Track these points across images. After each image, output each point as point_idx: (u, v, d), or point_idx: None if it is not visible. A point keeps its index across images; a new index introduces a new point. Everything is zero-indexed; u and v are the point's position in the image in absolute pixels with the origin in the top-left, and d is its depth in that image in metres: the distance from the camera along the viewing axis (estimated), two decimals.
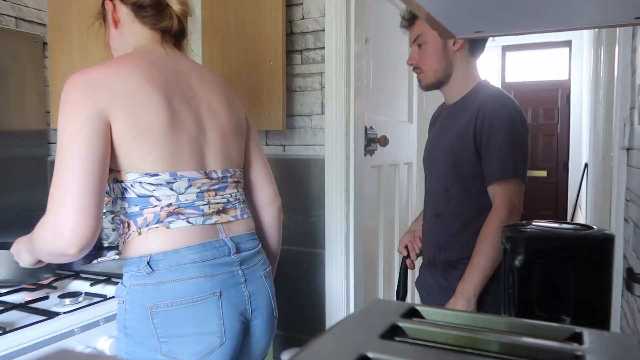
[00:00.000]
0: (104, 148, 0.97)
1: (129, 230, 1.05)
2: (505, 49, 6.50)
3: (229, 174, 1.17)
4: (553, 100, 6.34)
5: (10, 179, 1.65)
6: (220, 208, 1.12)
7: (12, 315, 1.17)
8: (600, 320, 0.66)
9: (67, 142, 0.96)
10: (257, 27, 1.87)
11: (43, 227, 0.97)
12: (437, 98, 3.16)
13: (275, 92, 1.83)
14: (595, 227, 0.68)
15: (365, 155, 2.09)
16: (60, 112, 0.97)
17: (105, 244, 1.90)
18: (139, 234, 1.04)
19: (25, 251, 1.10)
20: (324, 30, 1.92)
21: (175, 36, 1.19)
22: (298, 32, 1.96)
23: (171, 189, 1.05)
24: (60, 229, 0.93)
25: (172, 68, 1.12)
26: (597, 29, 2.78)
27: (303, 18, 1.95)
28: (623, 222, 1.94)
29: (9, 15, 1.64)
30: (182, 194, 1.06)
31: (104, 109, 0.98)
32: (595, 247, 0.66)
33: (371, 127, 2.14)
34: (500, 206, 1.36)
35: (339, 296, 1.96)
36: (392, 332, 0.40)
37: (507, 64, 6.57)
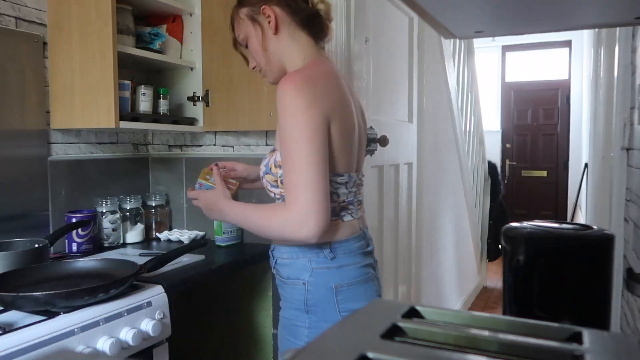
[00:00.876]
0: (327, 149, 1.13)
1: None
2: (505, 49, 6.50)
3: (362, 176, 1.34)
4: (553, 100, 6.34)
5: (10, 179, 1.65)
6: (361, 205, 1.32)
7: (12, 315, 1.17)
8: (600, 320, 0.66)
9: (305, 147, 1.09)
10: None
11: (284, 219, 1.11)
12: (437, 98, 3.16)
13: (275, 92, 1.82)
14: (595, 227, 0.68)
15: (365, 155, 2.09)
16: (290, 114, 1.10)
17: (106, 244, 1.90)
18: None
19: (234, 218, 1.26)
20: None
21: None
22: None
23: (346, 188, 1.22)
24: (305, 223, 1.08)
25: (342, 78, 1.26)
26: (597, 29, 2.78)
27: None
28: (623, 222, 1.94)
29: (9, 15, 1.64)
30: (350, 192, 1.24)
31: (328, 114, 1.13)
32: (595, 247, 0.66)
33: (371, 127, 2.14)
34: None
35: None
36: (392, 332, 0.40)
37: (507, 64, 6.57)
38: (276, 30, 1.23)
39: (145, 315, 1.29)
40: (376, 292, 1.26)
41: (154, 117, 1.84)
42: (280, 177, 1.20)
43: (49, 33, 1.72)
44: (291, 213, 1.10)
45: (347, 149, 1.20)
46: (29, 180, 1.72)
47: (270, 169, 1.23)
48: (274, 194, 1.25)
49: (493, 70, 6.55)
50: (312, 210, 1.08)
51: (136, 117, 1.76)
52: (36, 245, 1.50)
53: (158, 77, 2.06)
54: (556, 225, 0.71)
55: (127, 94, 1.74)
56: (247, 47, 1.30)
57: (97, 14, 1.60)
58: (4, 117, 1.63)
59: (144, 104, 1.82)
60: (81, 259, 1.48)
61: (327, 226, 1.11)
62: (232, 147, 2.06)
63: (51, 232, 1.74)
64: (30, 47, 1.68)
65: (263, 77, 1.34)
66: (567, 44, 6.11)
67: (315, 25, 1.26)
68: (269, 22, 1.23)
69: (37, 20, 1.71)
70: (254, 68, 1.34)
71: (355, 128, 1.23)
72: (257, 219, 1.19)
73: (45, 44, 1.73)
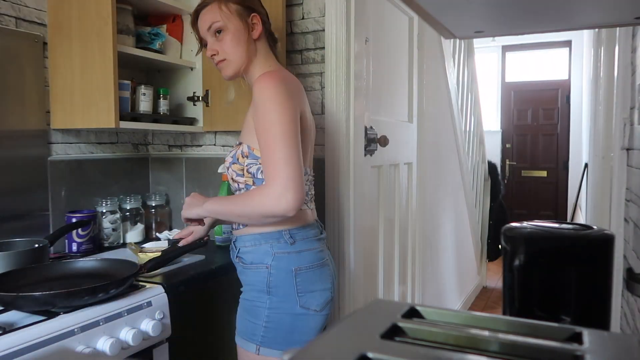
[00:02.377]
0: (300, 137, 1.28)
1: None
2: (505, 49, 6.50)
3: (311, 172, 1.46)
4: (553, 100, 6.34)
5: (9, 179, 1.65)
6: (312, 197, 1.46)
7: (12, 315, 1.17)
8: (600, 320, 0.66)
9: (287, 129, 1.23)
10: None
11: (265, 194, 1.22)
12: (437, 98, 3.16)
13: None
14: (595, 227, 0.68)
15: (365, 155, 2.09)
16: (273, 102, 1.24)
17: (106, 244, 1.90)
18: None
19: (215, 206, 1.35)
20: (324, 30, 1.92)
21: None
22: (298, 32, 1.96)
23: (306, 180, 1.35)
24: (284, 197, 1.20)
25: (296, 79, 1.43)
26: (597, 29, 2.78)
27: (303, 18, 1.95)
28: (623, 222, 1.94)
29: (9, 15, 1.64)
30: (306, 185, 1.35)
31: (299, 108, 1.31)
32: (595, 247, 0.66)
33: (371, 127, 2.14)
34: None
35: (339, 296, 1.96)
36: (392, 332, 0.40)
37: (507, 64, 6.57)
38: (258, 36, 1.41)
39: (145, 315, 1.29)
40: (331, 276, 1.39)
41: (154, 117, 1.84)
42: (247, 165, 1.34)
43: (49, 33, 1.72)
44: (272, 187, 1.21)
45: (305, 145, 1.34)
46: (29, 180, 1.72)
47: (238, 159, 1.36)
48: (238, 184, 1.38)
49: (493, 70, 6.54)
50: (291, 185, 1.20)
51: (136, 117, 1.76)
52: (36, 245, 1.50)
53: (158, 77, 2.06)
54: (556, 225, 0.71)
55: (127, 94, 1.75)
56: (216, 34, 1.40)
57: (97, 14, 1.60)
58: (4, 117, 1.63)
59: (144, 104, 1.82)
60: (81, 259, 1.48)
61: (302, 202, 1.23)
62: (232, 147, 2.06)
63: (51, 232, 1.74)
64: (30, 47, 1.68)
65: (217, 67, 1.44)
66: (567, 44, 6.11)
67: (274, 40, 1.49)
68: (255, 28, 1.41)
69: (37, 20, 1.71)
70: (212, 56, 1.42)
71: (311, 129, 1.40)
72: (237, 200, 1.33)
73: (45, 44, 1.73)
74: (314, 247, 1.36)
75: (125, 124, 1.67)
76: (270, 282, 1.31)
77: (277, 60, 1.48)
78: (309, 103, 1.97)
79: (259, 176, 1.34)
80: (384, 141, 2.16)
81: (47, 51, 1.73)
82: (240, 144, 1.38)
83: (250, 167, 1.35)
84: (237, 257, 1.40)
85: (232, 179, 1.40)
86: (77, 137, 1.88)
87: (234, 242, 1.42)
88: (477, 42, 5.44)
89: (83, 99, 1.65)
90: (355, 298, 2.00)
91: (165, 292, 1.38)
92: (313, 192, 1.46)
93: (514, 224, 0.73)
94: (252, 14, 1.40)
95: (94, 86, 1.63)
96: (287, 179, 1.20)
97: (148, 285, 1.38)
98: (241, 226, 1.38)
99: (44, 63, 1.73)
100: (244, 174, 1.36)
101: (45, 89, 1.73)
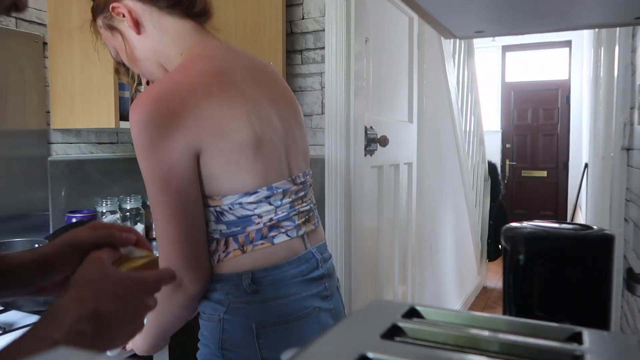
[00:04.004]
0: (192, 187, 0.89)
1: (227, 248, 0.94)
2: (505, 49, 6.51)
3: (307, 176, 1.05)
4: (553, 100, 6.34)
5: (9, 179, 1.65)
6: (306, 217, 1.01)
7: (12, 315, 1.17)
8: (600, 320, 0.66)
9: (158, 196, 0.90)
10: (257, 27, 1.87)
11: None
12: (437, 98, 3.16)
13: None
14: (595, 227, 0.68)
15: (365, 155, 2.09)
16: (139, 154, 0.88)
17: None
18: (243, 252, 0.93)
19: (141, 337, 1.03)
20: (324, 30, 1.92)
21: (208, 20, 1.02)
22: (298, 32, 1.96)
23: (269, 204, 0.94)
24: (179, 283, 0.90)
25: (240, 64, 0.98)
26: (597, 29, 2.78)
27: (303, 18, 1.95)
28: (623, 222, 1.94)
29: (9, 15, 1.64)
30: (282, 205, 0.96)
31: (192, 140, 0.86)
32: (595, 247, 0.66)
33: (371, 127, 2.14)
34: None
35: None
36: (392, 332, 0.40)
37: (507, 64, 6.57)
38: (137, 28, 0.96)
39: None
40: (322, 330, 0.93)
41: None
42: None
43: (49, 33, 1.72)
44: None
45: (248, 163, 0.91)
46: (29, 180, 1.72)
47: None
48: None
49: (493, 70, 6.55)
50: (181, 268, 0.89)
51: None
52: (36, 245, 1.50)
53: None
54: (556, 225, 0.71)
55: (127, 94, 1.74)
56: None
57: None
58: (4, 117, 1.63)
59: None
60: None
61: (208, 280, 0.93)
62: None
63: (51, 232, 1.74)
64: (30, 47, 1.68)
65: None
66: (567, 44, 6.11)
67: (184, 2, 0.97)
68: (127, 22, 0.96)
69: (37, 20, 1.71)
70: (147, 83, 1.07)
71: (253, 134, 0.91)
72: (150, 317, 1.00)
73: (45, 44, 1.73)
74: (291, 293, 0.94)
75: (126, 124, 1.67)
76: (223, 341, 0.94)
77: (198, 31, 0.98)
78: (309, 103, 1.98)
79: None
80: (384, 141, 2.16)
81: (47, 51, 1.73)
82: None
83: None
84: None
85: None
86: (77, 137, 1.88)
87: None
88: (477, 42, 5.44)
89: (83, 99, 1.65)
90: (356, 298, 2.00)
91: None
92: (306, 207, 1.02)
93: (514, 224, 0.72)
94: (111, 7, 0.97)
95: (94, 86, 1.63)
96: (176, 263, 0.89)
97: None
98: None
99: (44, 63, 1.73)
100: None
101: (46, 88, 1.73)
